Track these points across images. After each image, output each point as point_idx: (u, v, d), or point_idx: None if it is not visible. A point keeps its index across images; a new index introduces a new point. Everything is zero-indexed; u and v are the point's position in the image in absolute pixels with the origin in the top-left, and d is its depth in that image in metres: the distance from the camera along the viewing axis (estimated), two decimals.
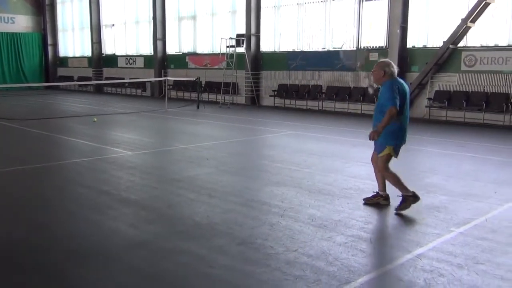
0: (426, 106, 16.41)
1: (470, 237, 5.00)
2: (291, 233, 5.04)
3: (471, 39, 15.82)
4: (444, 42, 15.78)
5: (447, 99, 15.86)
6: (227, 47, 21.36)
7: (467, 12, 15.26)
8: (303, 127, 14.30)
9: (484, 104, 14.93)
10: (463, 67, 15.71)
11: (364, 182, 7.27)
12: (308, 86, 20.08)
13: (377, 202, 6.11)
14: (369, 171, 8.56)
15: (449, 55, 15.96)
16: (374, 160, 6.15)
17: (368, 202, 6.17)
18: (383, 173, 5.94)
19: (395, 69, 5.82)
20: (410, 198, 5.77)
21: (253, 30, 21.65)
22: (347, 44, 19.08)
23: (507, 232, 5.17)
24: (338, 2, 19.18)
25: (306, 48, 20.46)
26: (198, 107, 19.76)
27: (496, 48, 15.14)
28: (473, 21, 15.29)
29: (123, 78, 27.37)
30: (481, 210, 5.94)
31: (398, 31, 16.68)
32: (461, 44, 15.88)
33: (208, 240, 4.85)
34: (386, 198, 6.09)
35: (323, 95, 19.40)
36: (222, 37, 21.58)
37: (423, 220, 5.55)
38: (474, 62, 15.47)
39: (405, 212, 5.77)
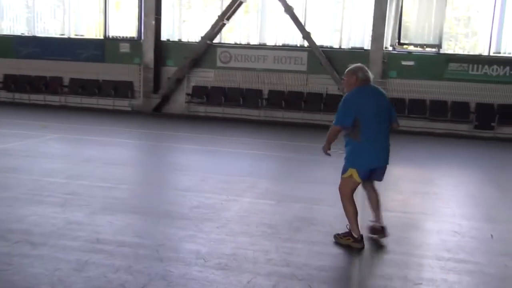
0: (186, 102, 16.12)
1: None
2: (200, 287, 3.77)
3: (225, 36, 16.22)
4: (201, 37, 15.71)
5: (206, 94, 15.92)
6: None
7: (222, 10, 15.54)
8: (62, 128, 12.09)
9: (242, 100, 15.55)
10: (219, 63, 16.01)
11: (207, 197, 6.31)
12: (45, 78, 17.21)
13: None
14: (194, 180, 7.32)
15: (204, 51, 16.00)
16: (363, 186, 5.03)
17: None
18: (342, 197, 4.86)
19: (370, 74, 4.77)
20: (352, 239, 4.78)
21: None
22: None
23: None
24: None
25: (41, 33, 17.44)
26: None
27: (249, 47, 15.92)
28: (228, 18, 15.69)
29: None
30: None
31: (153, 22, 15.80)
32: (216, 40, 16.11)
33: None
34: (382, 230, 4.93)
35: (66, 89, 16.99)
36: None
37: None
38: (229, 58, 15.92)
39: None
